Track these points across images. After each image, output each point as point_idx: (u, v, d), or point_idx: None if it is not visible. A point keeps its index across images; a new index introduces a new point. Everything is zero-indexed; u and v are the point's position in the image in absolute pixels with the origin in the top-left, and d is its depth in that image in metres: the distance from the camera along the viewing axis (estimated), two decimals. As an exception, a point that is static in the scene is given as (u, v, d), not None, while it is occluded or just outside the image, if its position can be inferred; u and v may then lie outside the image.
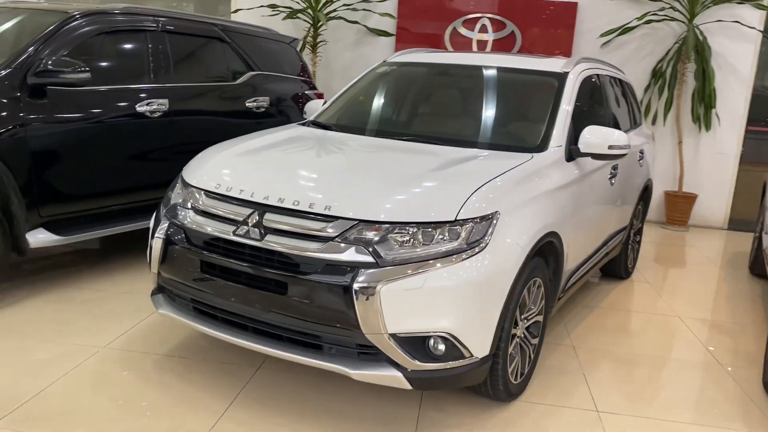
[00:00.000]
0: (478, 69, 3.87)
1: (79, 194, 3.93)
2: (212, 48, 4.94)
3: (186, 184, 2.94)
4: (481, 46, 7.42)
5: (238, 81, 5.07)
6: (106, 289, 4.02)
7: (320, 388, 2.97)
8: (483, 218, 2.52)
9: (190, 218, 2.77)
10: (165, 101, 4.35)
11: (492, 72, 3.84)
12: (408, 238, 2.44)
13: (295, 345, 2.56)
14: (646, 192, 5.03)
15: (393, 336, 2.38)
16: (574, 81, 3.64)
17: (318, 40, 7.21)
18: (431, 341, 2.45)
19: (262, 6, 7.04)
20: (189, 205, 2.82)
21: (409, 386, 2.45)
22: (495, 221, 2.55)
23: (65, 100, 3.79)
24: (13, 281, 3.95)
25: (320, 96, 6.01)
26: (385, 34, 7.42)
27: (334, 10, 7.21)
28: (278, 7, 7.10)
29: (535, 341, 3.09)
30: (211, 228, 2.67)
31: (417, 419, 2.78)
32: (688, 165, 7.30)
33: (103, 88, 4.00)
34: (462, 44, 7.43)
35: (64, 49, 3.82)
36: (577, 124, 3.47)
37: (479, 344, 2.52)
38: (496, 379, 2.74)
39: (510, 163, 2.93)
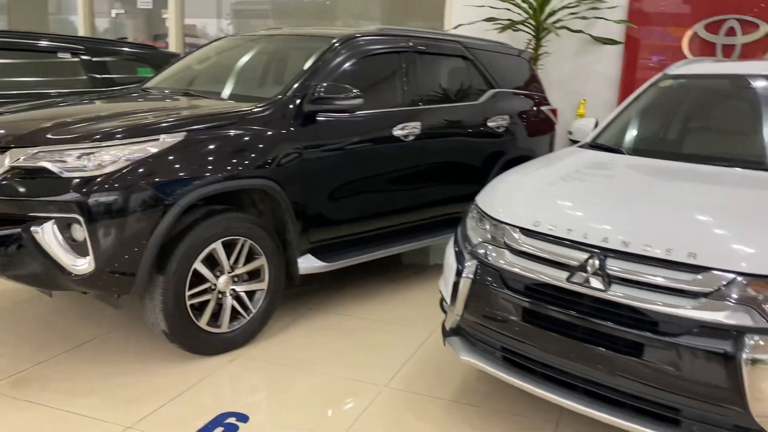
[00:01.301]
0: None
1: (343, 219, 3.87)
2: (457, 66, 4.74)
3: (489, 218, 2.67)
4: (727, 51, 6.58)
5: (481, 100, 4.82)
6: (364, 317, 3.92)
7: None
8: None
9: (506, 259, 2.49)
10: (418, 124, 4.19)
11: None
12: (803, 297, 1.96)
13: (644, 416, 2.17)
14: None
15: (792, 421, 1.92)
16: None
17: (540, 51, 6.81)
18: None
19: (483, 20, 6.79)
20: (502, 244, 2.54)
21: (804, 484, 1.97)
22: None
23: (332, 126, 3.74)
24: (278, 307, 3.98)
25: (554, 111, 5.61)
26: (612, 42, 6.84)
27: (558, 20, 6.77)
28: (498, 20, 6.80)
29: None
30: (536, 272, 2.37)
31: None
32: None
33: (365, 112, 3.91)
34: (703, 50, 6.64)
35: (332, 75, 3.78)
36: None
37: None
38: None
39: None
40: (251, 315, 3.43)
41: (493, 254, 2.54)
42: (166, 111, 3.38)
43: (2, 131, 3.12)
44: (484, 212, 2.73)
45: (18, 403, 2.80)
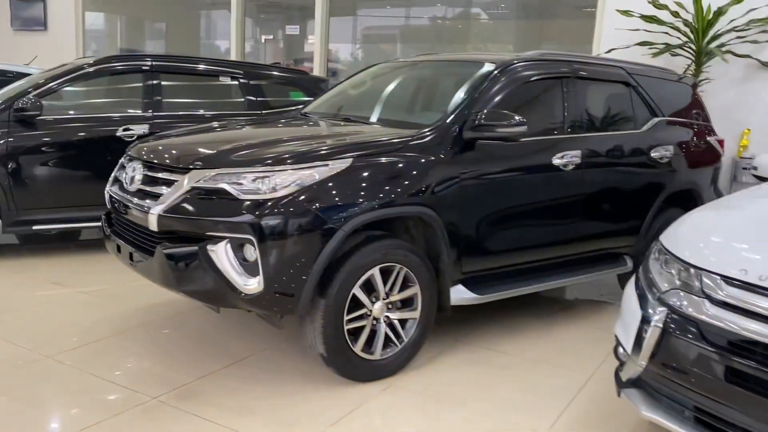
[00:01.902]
0: None
1: (497, 249, 3.74)
2: (619, 92, 4.50)
3: (680, 261, 2.44)
4: None
5: (644, 128, 4.53)
6: (514, 353, 3.75)
7: None
8: None
9: (705, 310, 2.25)
10: (578, 153, 3.99)
11: None
12: None
13: None
14: None
15: None
16: None
17: (699, 77, 6.35)
18: None
19: (637, 44, 6.44)
20: (699, 292, 2.30)
21: None
22: None
23: (491, 153, 3.62)
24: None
25: (721, 142, 5.18)
26: (785, 67, 6.25)
27: (722, 44, 6.28)
28: (654, 44, 6.42)
29: None
30: (745, 327, 2.12)
31: None
32: None
33: (524, 140, 3.75)
34: None
35: (491, 101, 3.68)
36: None
37: None
38: None
39: None
40: (403, 343, 3.37)
41: (687, 303, 2.31)
42: (331, 137, 3.44)
43: (184, 153, 3.29)
44: (673, 254, 2.50)
45: (185, 416, 2.89)
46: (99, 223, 5.11)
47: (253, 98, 5.88)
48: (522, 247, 3.87)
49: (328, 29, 8.91)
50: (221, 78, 5.86)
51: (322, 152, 3.12)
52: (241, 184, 2.96)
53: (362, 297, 3.17)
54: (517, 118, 3.47)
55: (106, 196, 3.60)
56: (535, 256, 3.96)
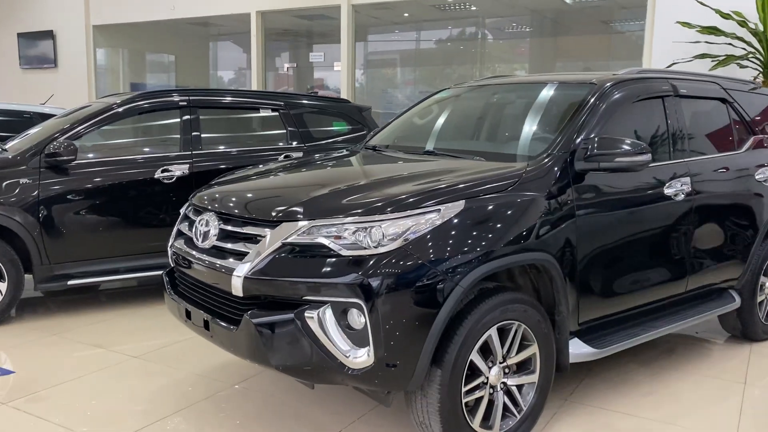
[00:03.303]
0: None
1: (615, 293, 3.27)
2: (717, 110, 4.07)
3: None
4: None
5: (743, 149, 4.09)
6: (634, 414, 3.26)
7: None
8: None
9: None
10: (687, 180, 3.56)
11: None
12: None
13: None
14: None
15: None
16: None
17: (769, 89, 5.94)
18: None
19: (694, 57, 6.05)
20: None
21: None
22: None
23: (602, 185, 3.17)
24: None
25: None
26: None
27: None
28: (715, 56, 6.03)
29: None
30: None
31: None
32: None
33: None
34: None
35: (597, 126, 3.23)
36: None
37: None
38: None
39: None
40: (522, 412, 2.89)
41: None
42: (429, 176, 2.96)
43: (267, 202, 2.85)
44: None
45: None
46: (139, 275, 4.75)
47: (295, 129, 5.45)
48: (637, 288, 3.40)
49: (354, 55, 8.54)
50: (261, 110, 5.44)
51: (430, 195, 2.66)
52: (341, 236, 2.50)
53: (479, 363, 2.70)
54: (629, 142, 3.03)
55: (169, 253, 3.13)
56: (649, 298, 3.50)
